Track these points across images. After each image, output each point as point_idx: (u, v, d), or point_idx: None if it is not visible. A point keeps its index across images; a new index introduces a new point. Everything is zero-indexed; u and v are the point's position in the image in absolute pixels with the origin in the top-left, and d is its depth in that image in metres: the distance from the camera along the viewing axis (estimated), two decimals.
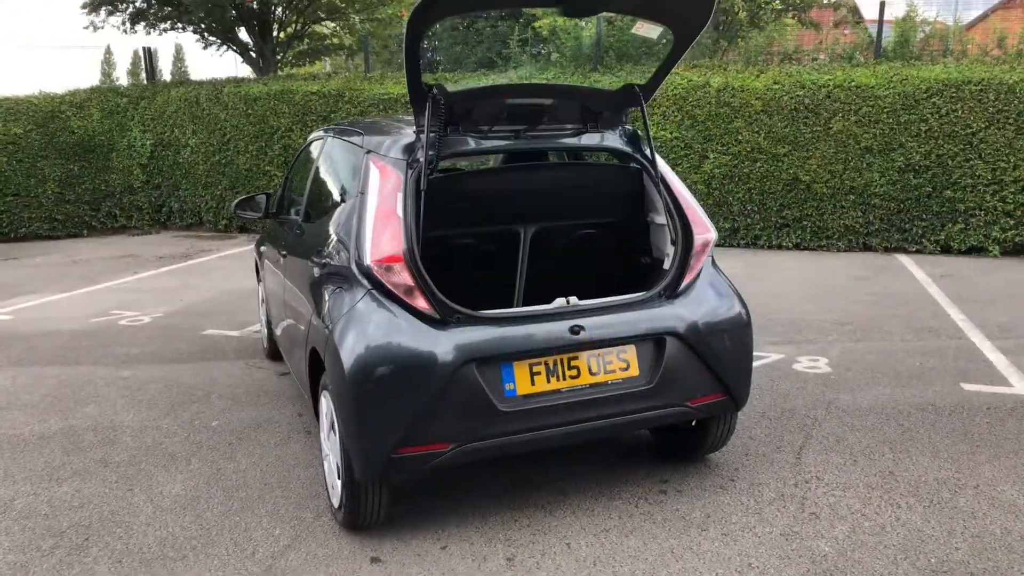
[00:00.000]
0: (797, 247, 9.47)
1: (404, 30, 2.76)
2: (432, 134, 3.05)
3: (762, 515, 3.22)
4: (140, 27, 13.55)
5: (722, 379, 3.27)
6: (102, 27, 13.72)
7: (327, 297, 3.13)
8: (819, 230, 9.32)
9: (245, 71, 14.78)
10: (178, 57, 72.98)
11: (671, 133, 9.64)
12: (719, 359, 3.25)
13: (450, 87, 3.04)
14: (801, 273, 8.12)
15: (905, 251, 9.08)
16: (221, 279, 8.59)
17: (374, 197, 3.02)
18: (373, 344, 2.83)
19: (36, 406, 4.71)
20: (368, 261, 2.88)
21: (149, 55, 12.57)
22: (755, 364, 5.11)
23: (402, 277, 2.88)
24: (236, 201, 4.82)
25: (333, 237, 3.26)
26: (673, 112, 9.63)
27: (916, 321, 6.14)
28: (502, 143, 3.29)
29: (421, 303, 2.89)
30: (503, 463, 3.64)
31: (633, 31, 9.70)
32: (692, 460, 3.73)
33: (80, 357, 5.72)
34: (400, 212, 2.95)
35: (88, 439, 4.18)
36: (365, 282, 2.95)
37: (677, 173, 9.57)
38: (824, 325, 6.08)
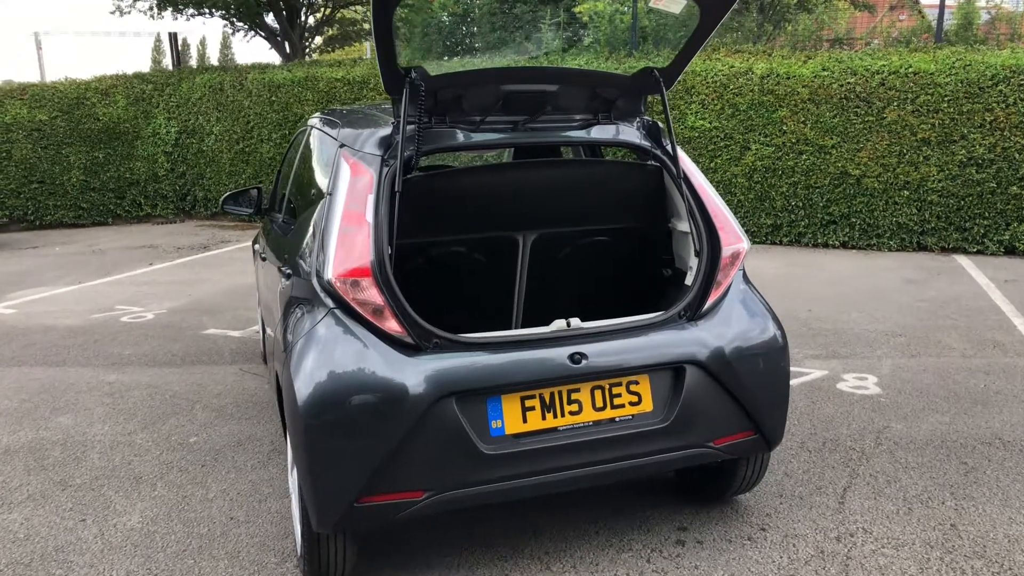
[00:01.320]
0: (844, 246, 8.82)
1: (371, 4, 2.31)
2: (411, 126, 2.60)
3: None
4: (167, 12, 13.32)
5: (752, 415, 2.78)
6: (128, 12, 13.47)
7: (290, 314, 2.71)
8: (869, 228, 8.66)
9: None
10: (225, 44, 73.57)
11: (710, 123, 9.04)
12: (749, 392, 2.75)
13: (434, 70, 2.59)
14: (848, 275, 7.50)
15: (964, 252, 8.37)
16: (234, 272, 8.28)
17: (341, 199, 2.58)
18: (332, 374, 2.40)
19: (11, 414, 4.40)
20: (329, 275, 2.45)
21: (174, 41, 12.33)
22: (794, 382, 4.59)
23: (369, 294, 2.44)
24: (224, 196, 4.44)
25: (299, 244, 2.84)
26: (713, 100, 9.03)
27: (978, 333, 5.52)
28: (496, 136, 2.82)
29: (392, 325, 2.45)
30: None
31: (652, 5, 9.12)
32: (717, 502, 3.23)
33: (71, 357, 5.42)
34: (370, 217, 2.51)
35: (54, 456, 3.84)
36: (328, 300, 2.52)
37: (716, 165, 9.10)
38: (873, 336, 5.50)
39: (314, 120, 3.80)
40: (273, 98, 11.33)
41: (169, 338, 5.86)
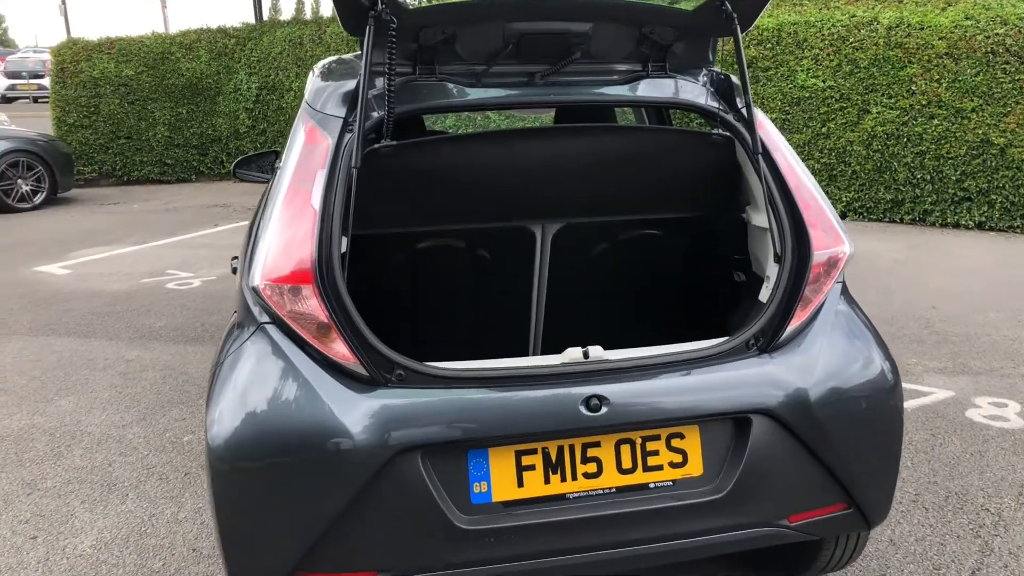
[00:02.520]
0: (980, 227, 7.56)
1: None
2: (379, 77, 1.93)
3: None
4: None
5: (844, 484, 2.00)
6: None
7: (227, 327, 2.12)
8: (1013, 207, 7.37)
9: None
10: None
11: (825, 81, 7.90)
12: (841, 452, 1.98)
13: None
14: (985, 263, 6.35)
15: None
16: None
17: (288, 175, 1.95)
18: (255, 412, 1.79)
19: (15, 392, 4.08)
20: (257, 280, 1.82)
21: None
22: (910, 404, 3.70)
23: (309, 306, 1.81)
24: (237, 160, 3.91)
25: (247, 235, 2.24)
26: (828, 56, 7.87)
27: None
28: (504, 93, 2.10)
29: (339, 349, 1.81)
30: None
31: None
32: None
33: (102, 328, 5.11)
34: (317, 202, 1.86)
35: (37, 449, 3.46)
36: (260, 313, 1.90)
37: (829, 130, 7.94)
38: (1016, 346, 4.47)
39: None
40: (352, 52, 10.84)
41: (206, 310, 5.49)
